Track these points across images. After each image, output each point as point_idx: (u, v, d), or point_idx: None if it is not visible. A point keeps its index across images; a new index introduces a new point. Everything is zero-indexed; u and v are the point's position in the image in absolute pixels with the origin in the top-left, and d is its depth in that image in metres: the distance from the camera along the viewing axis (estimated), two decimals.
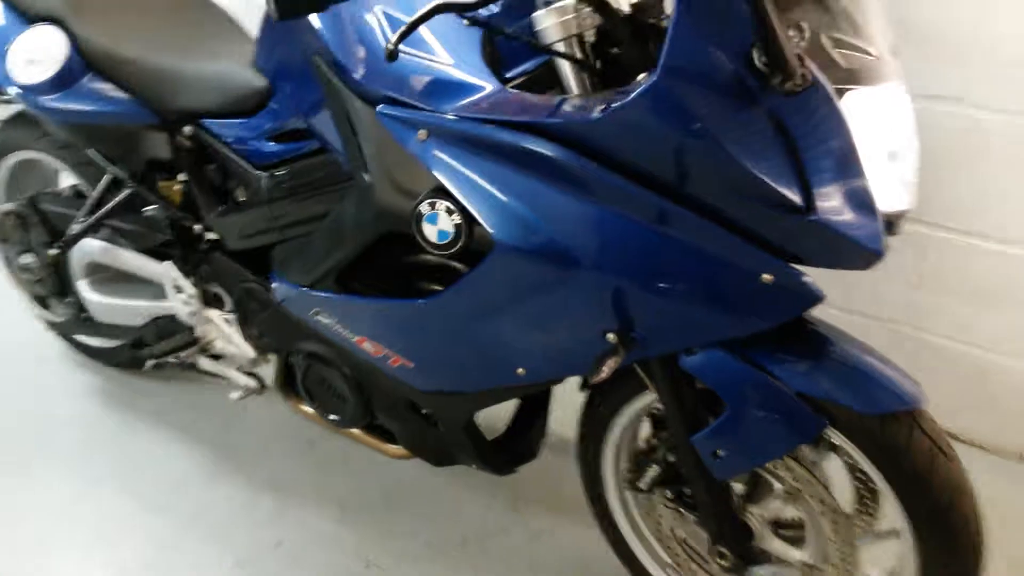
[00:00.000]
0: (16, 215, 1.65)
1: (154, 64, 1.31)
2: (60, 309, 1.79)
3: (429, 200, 0.93)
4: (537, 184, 0.86)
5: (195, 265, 1.44)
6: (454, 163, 0.91)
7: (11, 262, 1.79)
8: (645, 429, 1.14)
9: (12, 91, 1.35)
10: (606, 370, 0.89)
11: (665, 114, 0.76)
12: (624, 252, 0.84)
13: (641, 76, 0.82)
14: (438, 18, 0.85)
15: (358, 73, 0.97)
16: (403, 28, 0.84)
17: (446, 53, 0.96)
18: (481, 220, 0.89)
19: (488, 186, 0.89)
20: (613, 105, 0.78)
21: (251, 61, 1.24)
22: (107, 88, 1.33)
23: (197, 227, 1.38)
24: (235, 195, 1.32)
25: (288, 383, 1.45)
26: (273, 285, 1.26)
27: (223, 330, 1.45)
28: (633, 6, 0.88)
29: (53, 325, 1.82)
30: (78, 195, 1.67)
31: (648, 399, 1.06)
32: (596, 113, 0.80)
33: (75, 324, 1.72)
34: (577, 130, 0.82)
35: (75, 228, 1.49)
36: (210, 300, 1.46)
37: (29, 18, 1.37)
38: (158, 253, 1.48)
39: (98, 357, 1.86)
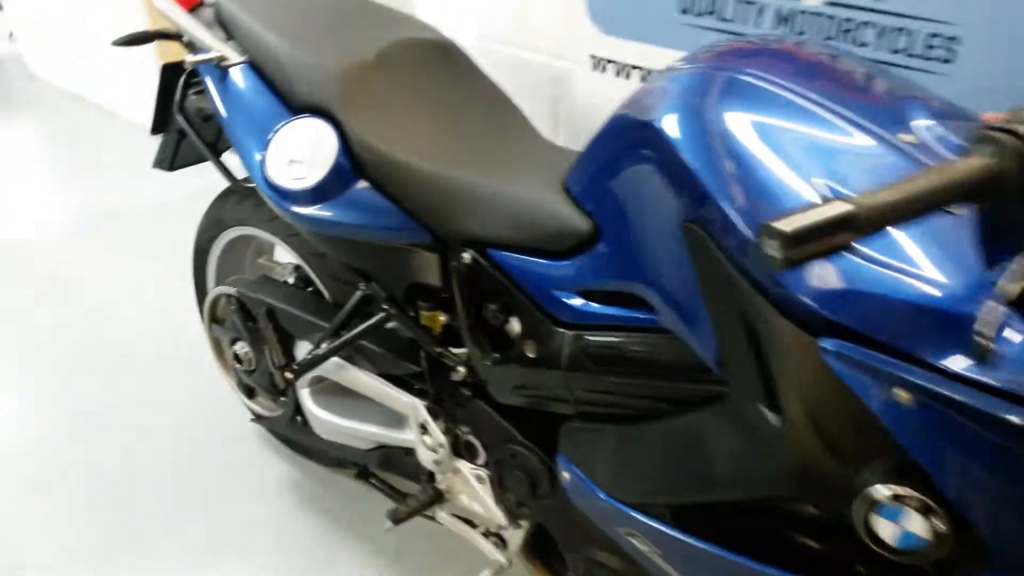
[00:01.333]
0: (239, 303, 1.47)
1: (437, 175, 1.06)
2: (270, 405, 1.61)
3: (891, 484, 0.63)
4: None
5: (448, 407, 1.20)
6: (954, 448, 0.61)
7: (220, 344, 1.62)
8: None
9: (265, 193, 1.14)
10: None
11: None
12: None
13: None
14: None
15: (785, 278, 0.69)
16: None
17: (933, 260, 0.66)
18: (990, 545, 0.60)
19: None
20: None
21: (560, 181, 0.99)
22: (376, 198, 1.10)
23: (460, 369, 1.14)
24: (518, 344, 1.06)
25: (538, 553, 1.20)
26: (563, 474, 1.00)
27: (472, 487, 1.20)
28: None
29: (259, 418, 1.64)
30: (306, 283, 1.48)
31: None
32: None
33: (287, 427, 1.53)
34: None
35: (318, 350, 1.28)
36: (460, 448, 1.21)
37: (294, 106, 1.16)
38: (401, 379, 1.26)
39: (308, 456, 1.67)
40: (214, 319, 1.60)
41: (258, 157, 1.15)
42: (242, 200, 1.50)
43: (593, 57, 1.49)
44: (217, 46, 1.19)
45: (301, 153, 1.10)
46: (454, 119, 1.15)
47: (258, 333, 1.47)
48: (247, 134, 1.17)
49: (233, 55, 1.20)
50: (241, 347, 1.53)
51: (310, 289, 1.48)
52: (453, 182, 1.05)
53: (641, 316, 0.90)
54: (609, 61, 1.47)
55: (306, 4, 1.27)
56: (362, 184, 1.10)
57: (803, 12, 1.20)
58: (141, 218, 2.82)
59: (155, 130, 1.52)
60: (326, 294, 1.41)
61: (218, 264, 1.65)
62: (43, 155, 3.43)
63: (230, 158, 1.38)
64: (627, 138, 0.86)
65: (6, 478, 1.72)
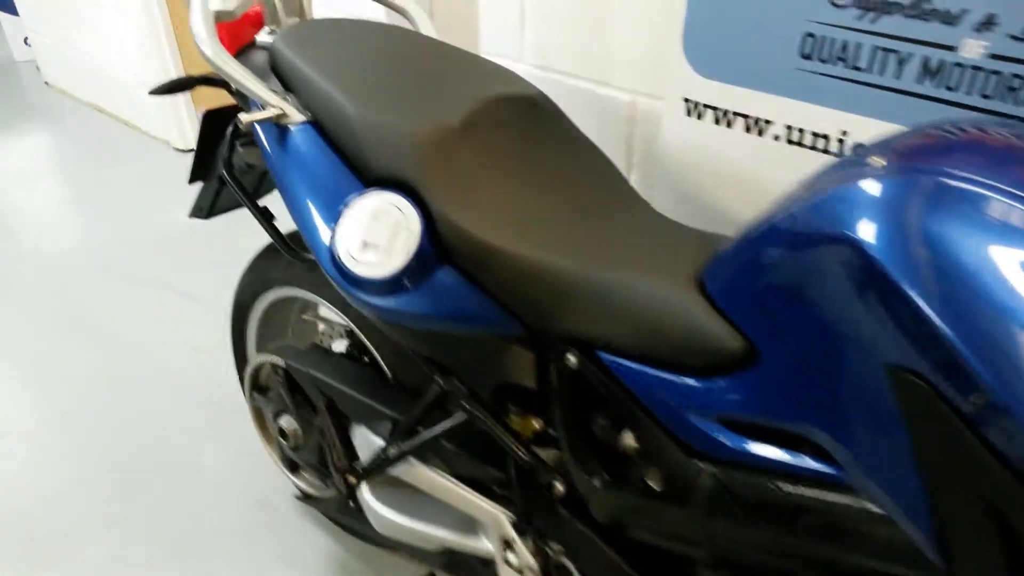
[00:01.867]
0: (286, 375, 1.31)
1: (535, 262, 0.89)
2: (318, 483, 1.45)
3: None
4: None
5: (539, 524, 1.03)
6: None
7: (262, 414, 1.46)
8: None
9: (333, 277, 0.97)
10: None
11: None
12: None
13: None
14: None
15: None
16: None
17: None
18: None
19: None
20: None
21: (692, 274, 0.82)
22: (462, 287, 0.93)
23: (557, 485, 0.97)
24: (636, 470, 0.90)
25: None
26: None
27: None
28: None
29: (306, 497, 1.48)
30: (360, 349, 1.32)
31: None
32: None
33: (339, 511, 1.37)
34: None
35: (387, 451, 1.11)
36: (550, 569, 1.05)
37: (366, 175, 0.99)
38: (481, 482, 1.09)
39: (359, 537, 1.51)
40: (256, 387, 1.44)
41: (324, 234, 0.99)
42: (293, 263, 1.34)
43: (687, 101, 1.31)
44: (274, 101, 1.02)
45: (377, 235, 0.93)
46: (553, 192, 0.98)
47: (306, 408, 1.31)
48: (310, 205, 1.00)
49: (293, 112, 1.03)
50: (287, 422, 1.37)
51: (366, 359, 1.32)
52: (556, 271, 0.88)
53: (812, 465, 0.73)
54: (707, 106, 1.29)
55: (375, 49, 1.10)
56: (447, 270, 0.93)
57: (958, 65, 1.02)
58: (162, 245, 2.66)
59: (193, 179, 1.35)
60: (386, 370, 1.25)
61: (260, 323, 1.49)
62: (60, 170, 3.28)
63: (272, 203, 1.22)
64: (809, 250, 0.68)
65: (27, 525, 1.56)
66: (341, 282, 0.96)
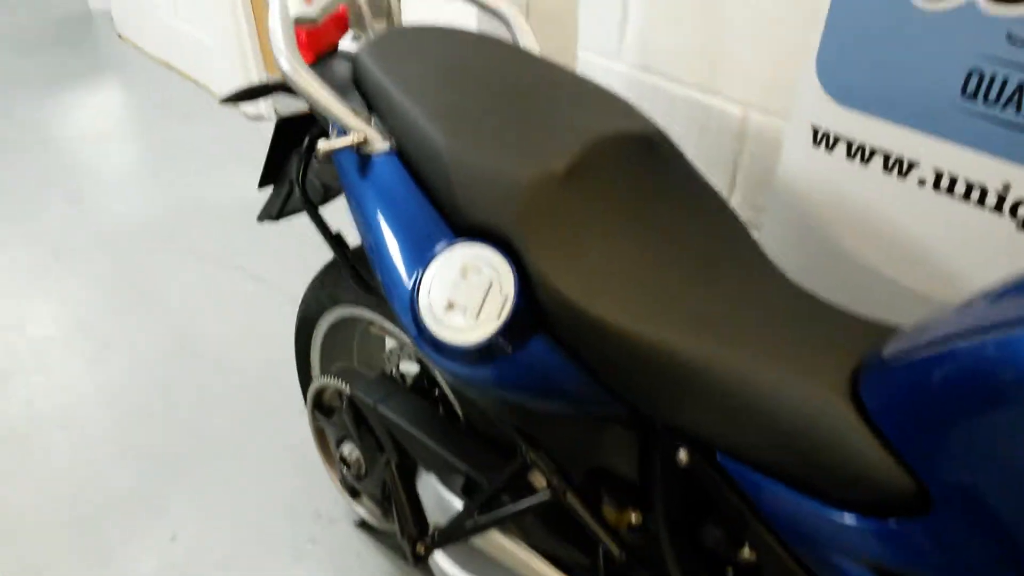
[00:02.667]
0: (351, 403, 1.22)
1: (649, 341, 0.76)
2: (380, 513, 1.37)
3: None
4: None
5: None
6: None
7: (324, 433, 1.38)
8: None
9: (413, 338, 0.86)
10: None
11: None
12: None
13: None
14: None
15: None
16: None
17: None
18: None
19: None
20: None
21: (844, 379, 0.68)
22: (560, 360, 0.81)
23: None
24: None
25: None
26: None
27: None
28: None
29: (366, 526, 1.40)
30: (431, 382, 1.22)
31: None
32: None
33: (400, 547, 1.28)
34: None
35: (466, 523, 1.01)
36: None
37: (458, 224, 0.86)
38: (560, 561, 0.99)
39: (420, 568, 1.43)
40: (318, 407, 1.35)
41: (404, 282, 0.87)
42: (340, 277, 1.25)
43: (816, 128, 1.15)
44: (356, 126, 0.91)
45: (465, 295, 0.82)
46: (671, 254, 0.85)
47: (371, 439, 1.22)
48: (390, 247, 0.89)
49: (376, 138, 0.91)
50: (350, 450, 1.28)
51: (437, 391, 1.22)
52: (673, 354, 0.75)
53: None
54: (840, 137, 1.13)
55: (470, 68, 0.97)
56: (542, 340, 0.81)
57: None
58: (229, 218, 2.60)
59: (263, 184, 1.26)
60: (459, 411, 1.14)
61: (325, 338, 1.40)
62: (130, 131, 3.24)
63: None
64: (1013, 399, 0.54)
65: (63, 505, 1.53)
66: (420, 343, 0.85)
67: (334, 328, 1.37)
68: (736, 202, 1.45)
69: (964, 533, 0.59)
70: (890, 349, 0.66)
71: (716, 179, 1.46)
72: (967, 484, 0.58)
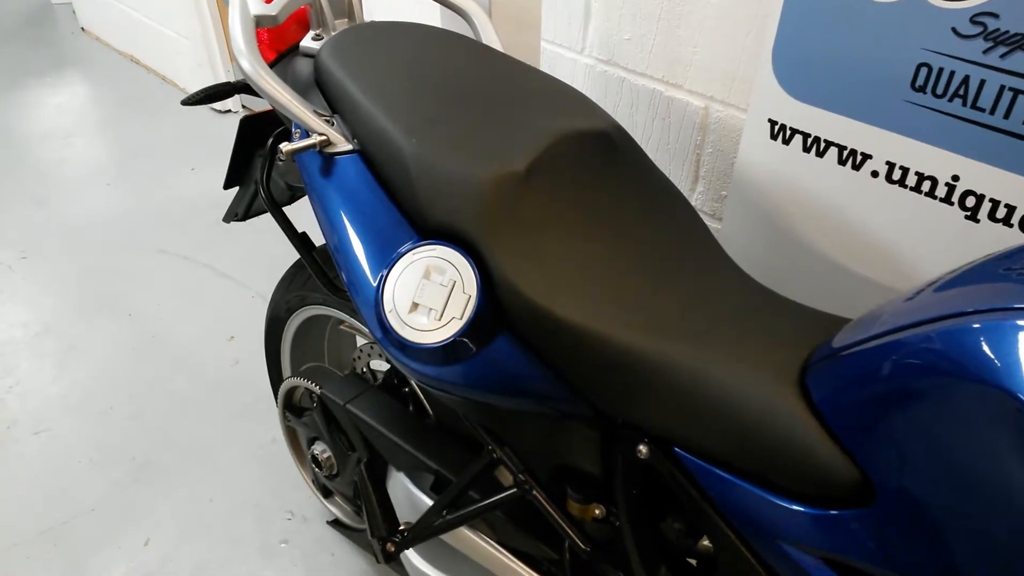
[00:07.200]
0: (322, 404, 1.22)
1: (609, 339, 0.77)
2: (351, 512, 1.38)
3: None
4: None
5: None
6: None
7: (296, 433, 1.38)
8: None
9: (379, 340, 0.87)
10: None
11: None
12: None
13: None
14: None
15: None
16: None
17: None
18: None
19: None
20: None
21: (793, 372, 0.70)
22: (523, 359, 0.82)
23: None
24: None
25: None
26: None
27: None
28: None
29: (338, 524, 1.41)
30: (392, 386, 1.23)
31: None
32: None
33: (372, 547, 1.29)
34: None
35: (431, 518, 1.02)
36: None
37: (421, 225, 0.87)
38: (528, 556, 1.00)
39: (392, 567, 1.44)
40: (289, 407, 1.36)
41: (368, 284, 0.88)
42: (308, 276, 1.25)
43: (773, 122, 1.17)
44: (317, 126, 0.91)
45: (428, 297, 0.83)
46: (630, 252, 0.86)
47: (343, 438, 1.23)
48: (354, 248, 0.90)
49: (339, 140, 0.91)
50: (321, 450, 1.29)
51: (406, 389, 1.23)
52: (631, 352, 0.77)
53: None
54: (796, 131, 1.15)
55: (431, 66, 0.97)
56: (505, 339, 0.82)
57: None
58: (194, 213, 2.57)
59: (228, 185, 1.25)
60: (428, 409, 1.16)
61: (295, 336, 1.40)
62: (93, 127, 3.19)
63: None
64: (955, 391, 0.56)
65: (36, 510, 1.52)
66: (385, 344, 0.86)
67: (304, 327, 1.38)
68: (700, 193, 1.47)
69: (906, 525, 0.61)
70: (837, 340, 0.68)
71: (680, 170, 1.47)
72: (908, 476, 0.60)
